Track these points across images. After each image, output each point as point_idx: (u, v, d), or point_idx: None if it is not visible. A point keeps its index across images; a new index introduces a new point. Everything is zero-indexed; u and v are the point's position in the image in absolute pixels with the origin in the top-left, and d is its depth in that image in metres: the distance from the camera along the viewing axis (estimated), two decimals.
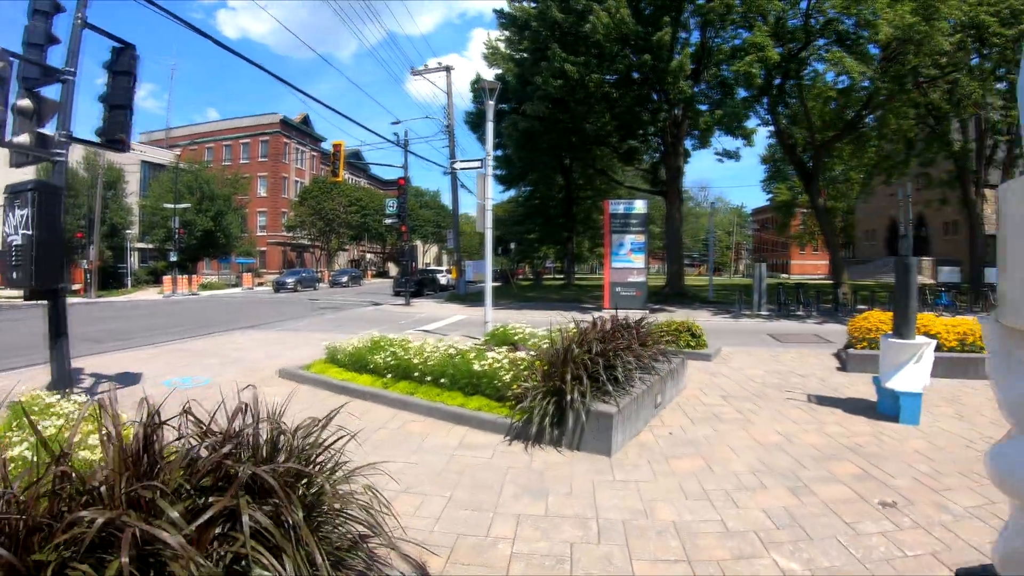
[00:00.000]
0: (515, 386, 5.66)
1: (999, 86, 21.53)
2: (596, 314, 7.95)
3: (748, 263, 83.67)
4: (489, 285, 12.31)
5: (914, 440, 5.50)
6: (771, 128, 26.19)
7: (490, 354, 6.48)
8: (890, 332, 6.80)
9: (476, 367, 6.20)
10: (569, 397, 4.81)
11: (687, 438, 5.45)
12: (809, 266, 76.84)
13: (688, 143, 27.32)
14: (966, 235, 40.96)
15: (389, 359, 7.26)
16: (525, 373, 5.75)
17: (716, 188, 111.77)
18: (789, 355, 10.99)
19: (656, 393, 6.22)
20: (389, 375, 7.08)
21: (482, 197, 12.24)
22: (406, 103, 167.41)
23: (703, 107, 24.00)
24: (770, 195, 62.07)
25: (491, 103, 12.40)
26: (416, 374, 6.74)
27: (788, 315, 20.13)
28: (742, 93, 22.62)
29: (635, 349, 5.92)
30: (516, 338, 8.75)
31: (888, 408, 6.47)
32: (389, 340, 7.98)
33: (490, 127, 12.73)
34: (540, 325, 9.38)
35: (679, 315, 12.33)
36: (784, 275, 66.84)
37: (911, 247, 6.82)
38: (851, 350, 9.60)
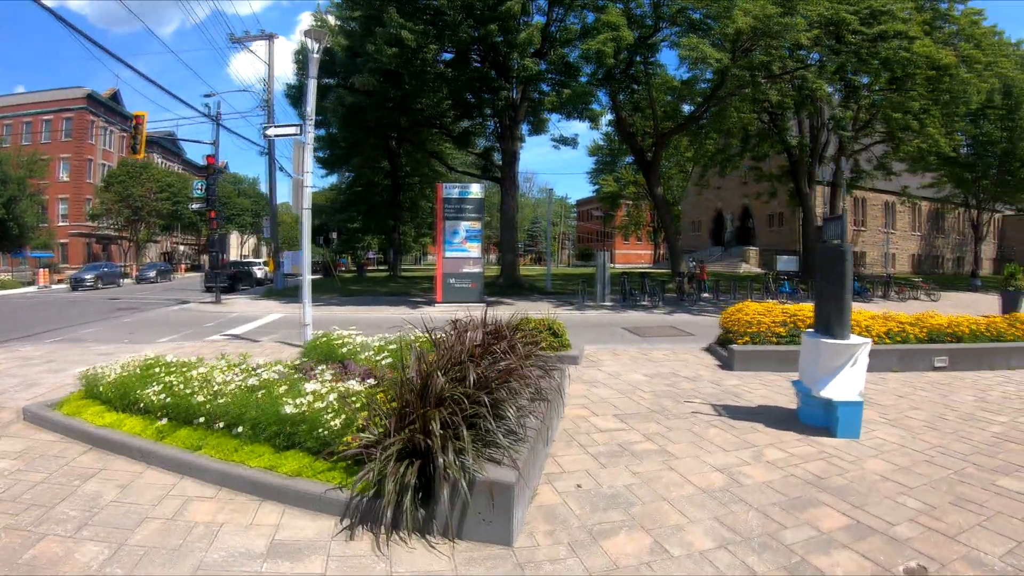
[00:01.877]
0: (350, 437, 4.18)
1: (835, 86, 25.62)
2: (460, 315, 6.76)
3: (571, 253, 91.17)
4: (307, 279, 11.52)
5: (871, 461, 5.13)
6: (610, 117, 28.55)
7: (309, 386, 4.85)
8: (813, 330, 6.57)
9: (288, 409, 4.56)
10: (441, 460, 3.41)
11: (605, 492, 4.34)
12: (632, 255, 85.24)
13: (524, 128, 28.77)
14: (793, 226, 48.40)
15: (163, 395, 5.46)
16: (364, 415, 4.29)
17: (541, 180, 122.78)
18: (660, 353, 10.84)
19: (548, 427, 5.14)
20: (165, 419, 5.45)
21: (299, 170, 11.56)
22: (229, 85, 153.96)
23: (546, 87, 25.45)
24: (596, 187, 67.98)
25: (316, 56, 11.73)
26: (203, 418, 5.19)
27: (634, 305, 21.07)
28: (584, 80, 24.24)
29: (520, 369, 4.73)
30: (344, 351, 7.17)
31: (816, 419, 6.19)
32: (166, 363, 6.44)
33: (312, 85, 11.84)
34: (370, 327, 8.70)
35: (518, 307, 11.86)
36: (609, 264, 72.07)
37: (844, 231, 6.77)
38: (735, 347, 9.59)
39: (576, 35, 23.59)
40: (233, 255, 73.30)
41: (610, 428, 5.98)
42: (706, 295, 24.85)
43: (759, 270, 44.23)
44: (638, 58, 24.44)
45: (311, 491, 4.05)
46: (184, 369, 6.03)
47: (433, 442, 3.51)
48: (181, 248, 79.38)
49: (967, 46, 25.97)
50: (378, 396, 4.57)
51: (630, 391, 7.66)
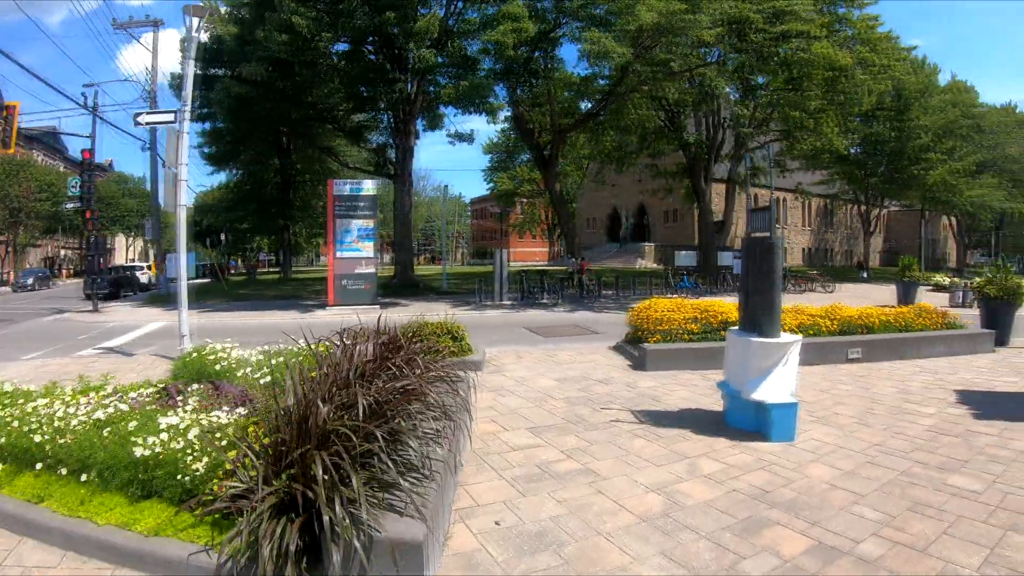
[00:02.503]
0: (216, 486, 3.37)
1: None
2: (353, 319, 5.97)
3: (466, 251, 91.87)
4: (184, 284, 10.96)
5: (814, 467, 4.87)
6: (508, 113, 29.02)
7: (165, 420, 3.96)
8: (739, 328, 6.33)
9: (141, 451, 3.68)
10: (327, 516, 2.70)
11: (529, 528, 3.75)
12: (528, 253, 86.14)
13: (420, 124, 28.84)
14: (688, 222, 50.33)
15: None
16: (233, 456, 3.47)
17: (436, 178, 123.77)
18: (567, 354, 10.47)
19: (457, 451, 4.50)
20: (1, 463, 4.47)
21: (173, 161, 10.92)
22: (116, 77, 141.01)
23: (444, 80, 25.45)
24: (492, 185, 68.41)
25: (196, 35, 11.31)
26: (43, 463, 4.31)
27: (534, 304, 20.91)
28: (483, 74, 24.33)
29: (421, 388, 4.04)
30: (218, 368, 6.20)
31: (746, 422, 5.91)
32: (1, 393, 5.44)
33: (190, 68, 11.39)
34: (257, 335, 8.36)
35: (415, 309, 11.28)
36: (506, 263, 73.38)
37: (771, 222, 6.66)
38: (647, 345, 9.36)
39: (476, 26, 23.68)
40: (120, 259, 68.54)
41: (525, 445, 5.42)
42: (608, 292, 25.07)
43: (656, 266, 45.61)
44: (538, 53, 24.81)
45: (173, 556, 3.21)
46: (22, 400, 4.97)
47: (316, 493, 2.79)
48: (63, 253, 74.50)
49: (863, 49, 27.83)
50: (251, 429, 3.79)
51: (541, 399, 7.17)
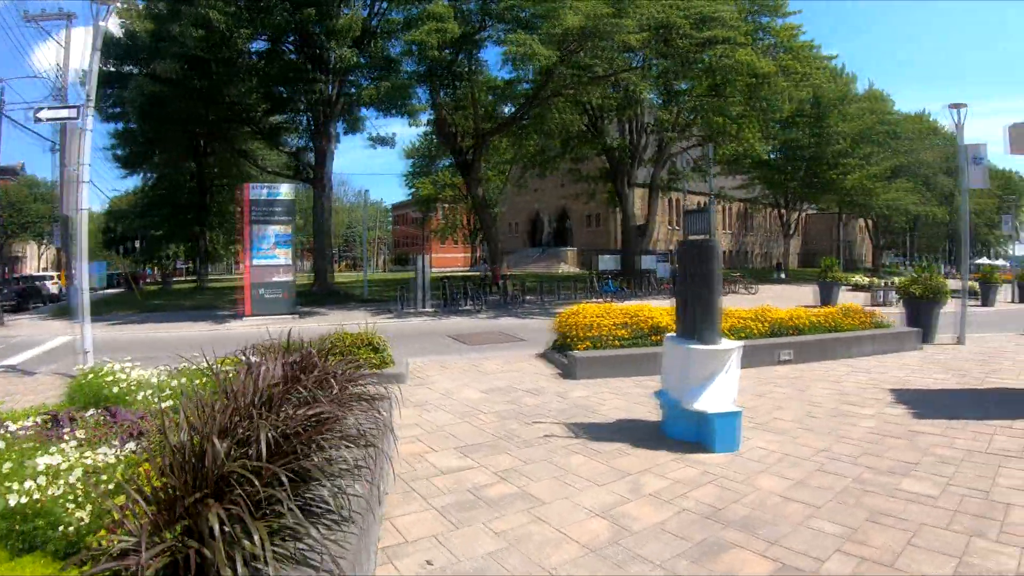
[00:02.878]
0: (103, 534, 2.82)
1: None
2: (270, 329, 5.39)
3: (387, 258, 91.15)
4: (86, 296, 10.37)
5: (763, 478, 4.70)
6: (430, 116, 28.88)
7: (44, 460, 3.34)
8: (677, 335, 6.15)
9: (16, 498, 3.06)
10: None
11: (465, 569, 3.34)
12: (449, 259, 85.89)
13: (339, 126, 28.65)
14: (610, 226, 51.17)
15: None
16: (120, 503, 2.91)
17: (356, 183, 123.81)
18: (493, 363, 10.14)
19: (380, 482, 4.04)
20: None
21: (73, 161, 10.47)
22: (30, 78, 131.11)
23: (365, 82, 25.41)
24: (413, 190, 67.83)
25: (102, 24, 10.75)
26: None
27: (457, 311, 20.56)
28: (405, 76, 24.27)
29: (337, 414, 3.57)
30: (115, 391, 5.46)
31: (687, 432, 5.72)
32: None
33: (94, 60, 10.71)
34: (165, 350, 8.12)
35: (335, 318, 10.77)
36: (428, 268, 73.20)
37: (710, 224, 6.50)
38: (576, 353, 9.14)
39: (399, 26, 23.71)
40: (32, 268, 63.76)
41: (454, 467, 5.02)
42: (530, 297, 24.97)
43: (578, 270, 46.14)
44: (462, 56, 24.88)
45: None
46: None
47: (212, 552, 2.32)
48: None
49: (785, 57, 28.90)
50: (144, 468, 3.26)
51: (469, 413, 6.79)
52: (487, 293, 23.01)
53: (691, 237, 6.35)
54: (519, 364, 10.07)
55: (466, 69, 25.42)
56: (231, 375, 4.13)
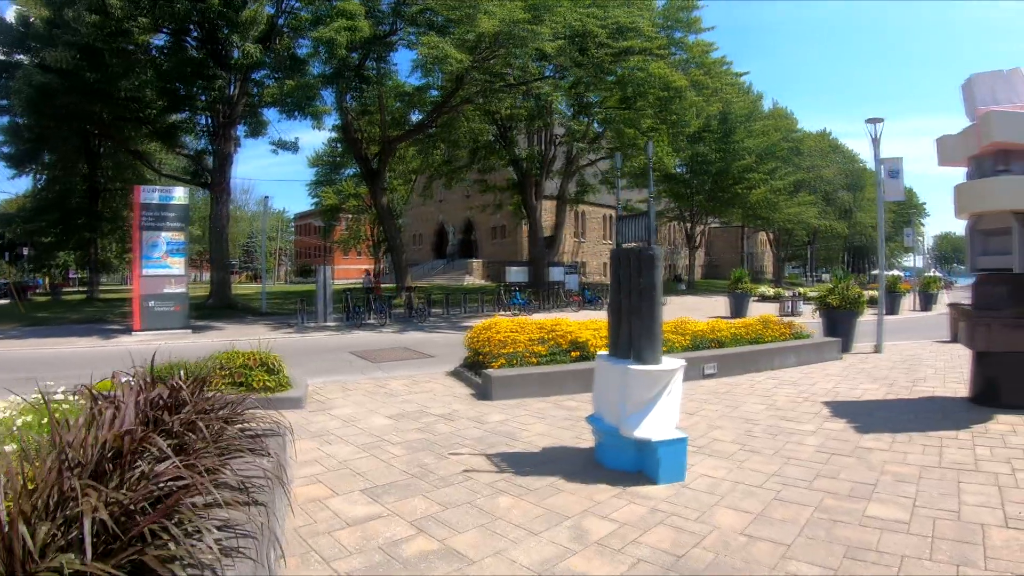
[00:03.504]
0: None
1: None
2: (160, 344, 4.40)
3: (290, 269, 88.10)
4: None
5: (720, 513, 4.20)
6: (336, 122, 28.34)
7: None
8: (610, 353, 5.60)
9: None
10: None
11: None
12: (353, 271, 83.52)
13: (241, 129, 27.26)
14: (516, 238, 50.93)
15: None
16: None
17: (259, 191, 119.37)
18: (400, 383, 9.31)
19: (268, 549, 3.16)
20: None
21: None
22: None
23: (269, 82, 24.45)
24: (316, 199, 65.64)
25: None
26: None
27: (360, 325, 19.53)
28: (311, 77, 23.39)
29: (202, 479, 2.63)
30: None
31: (625, 462, 5.13)
32: None
33: None
34: (46, 370, 8.05)
35: (231, 333, 9.76)
36: (331, 280, 71.21)
37: (651, 230, 5.93)
38: (490, 372, 8.44)
39: (308, 23, 22.72)
40: None
41: (362, 516, 4.16)
42: (436, 310, 24.17)
43: (484, 282, 45.73)
44: (371, 61, 24.30)
45: None
46: None
47: None
48: None
49: (697, 72, 29.51)
50: None
51: (375, 445, 5.95)
52: (391, 306, 22.06)
53: (626, 245, 5.76)
54: (429, 384, 9.29)
55: (375, 72, 24.66)
56: (66, 420, 3.19)
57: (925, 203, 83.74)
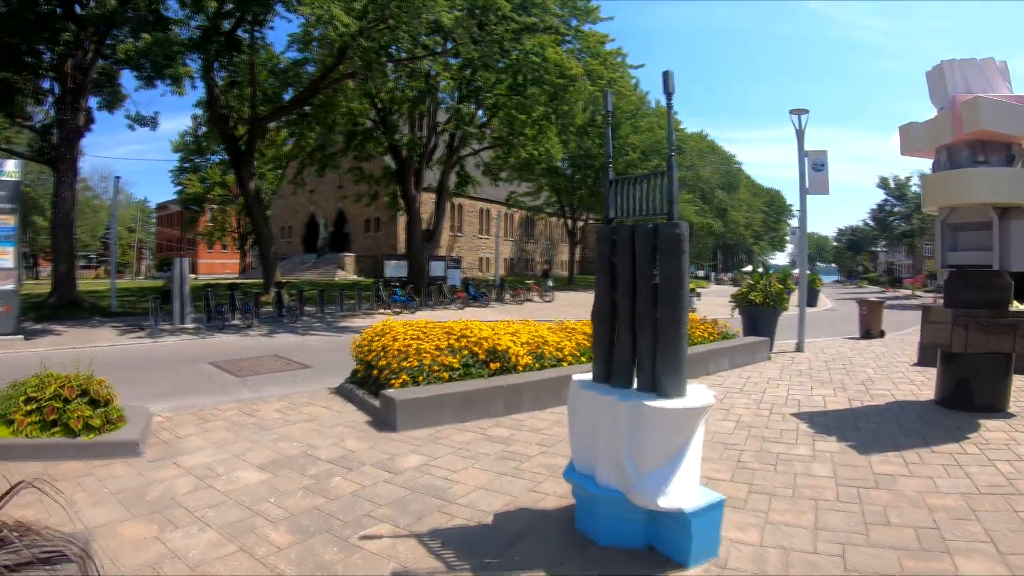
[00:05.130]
0: None
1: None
2: None
3: (151, 263, 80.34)
4: None
5: None
6: (202, 97, 25.18)
7: None
8: (597, 379, 3.92)
9: None
10: None
11: None
12: (218, 265, 78.23)
13: (94, 101, 22.88)
14: (391, 230, 48.26)
15: None
16: None
17: (124, 178, 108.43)
18: (274, 407, 7.10)
19: None
20: None
21: None
22: None
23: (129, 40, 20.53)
24: (180, 188, 60.78)
25: None
26: None
27: (223, 326, 16.72)
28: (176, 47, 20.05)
29: None
30: None
31: (628, 536, 3.42)
32: None
33: None
34: None
35: (71, 338, 7.72)
36: (192, 275, 65.41)
37: (671, 196, 4.20)
38: (392, 393, 6.41)
39: None
40: None
41: None
42: (310, 308, 21.54)
43: (357, 277, 43.25)
44: (243, 31, 21.48)
45: None
46: None
47: None
48: None
49: (593, 61, 28.24)
50: None
51: (246, 528, 3.83)
52: (258, 305, 19.29)
53: (630, 222, 3.93)
54: (311, 408, 7.14)
55: (247, 42, 21.62)
56: None
57: (792, 204, 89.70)
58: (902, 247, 70.22)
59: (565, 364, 8.03)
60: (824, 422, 6.56)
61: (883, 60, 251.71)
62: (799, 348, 11.88)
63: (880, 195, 56.85)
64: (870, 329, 14.32)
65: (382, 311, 21.69)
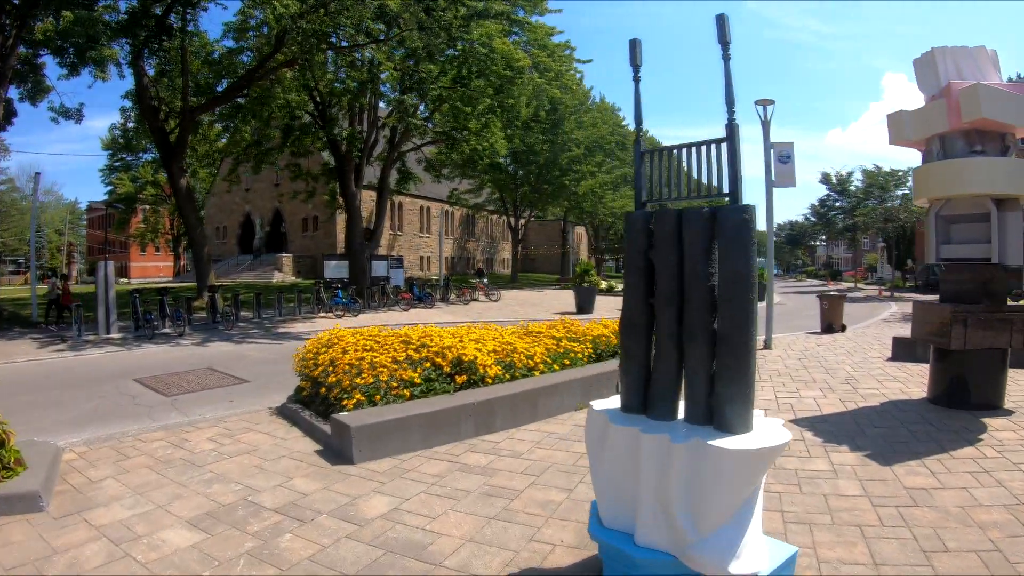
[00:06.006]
0: None
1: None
2: None
3: (81, 267, 75.96)
4: None
5: None
6: (131, 88, 23.58)
7: None
8: (628, 407, 3.08)
9: None
10: None
11: None
12: (152, 268, 74.10)
13: (15, 92, 21.17)
14: (329, 229, 46.46)
15: None
16: None
17: (48, 179, 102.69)
18: (206, 435, 6.04)
19: None
20: None
21: None
22: None
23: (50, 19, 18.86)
24: (110, 188, 57.27)
25: None
26: None
27: (153, 335, 15.24)
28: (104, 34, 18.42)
29: None
30: None
31: None
32: None
33: None
34: None
35: None
36: (124, 279, 62.70)
37: (736, 168, 3.46)
38: (345, 418, 5.40)
39: None
40: None
41: None
42: (245, 313, 20.09)
43: (294, 278, 41.60)
44: (174, 16, 19.88)
45: None
46: None
47: None
48: None
49: (541, 53, 27.53)
50: None
51: None
52: (190, 310, 17.82)
53: (682, 208, 3.10)
54: (251, 435, 6.09)
55: (179, 29, 20.04)
56: None
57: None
58: (842, 241, 71.81)
59: (537, 374, 7.19)
60: (828, 429, 6.00)
61: (820, 60, 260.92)
62: (767, 345, 11.34)
63: (822, 190, 57.80)
64: (832, 323, 14.04)
65: (323, 314, 20.47)
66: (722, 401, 2.66)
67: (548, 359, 7.52)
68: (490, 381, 6.64)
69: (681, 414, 2.91)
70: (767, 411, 6.64)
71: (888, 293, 34.52)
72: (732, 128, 2.80)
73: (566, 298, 26.05)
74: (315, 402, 6.50)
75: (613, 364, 7.77)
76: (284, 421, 6.61)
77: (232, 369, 10.50)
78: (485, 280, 34.54)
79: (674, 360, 2.88)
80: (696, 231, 2.78)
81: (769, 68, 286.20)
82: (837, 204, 56.14)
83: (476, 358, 6.69)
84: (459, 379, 6.47)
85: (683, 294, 2.83)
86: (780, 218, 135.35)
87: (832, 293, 15.26)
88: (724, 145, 2.85)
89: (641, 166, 3.17)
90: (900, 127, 7.16)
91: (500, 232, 67.64)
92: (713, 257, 2.74)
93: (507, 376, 6.87)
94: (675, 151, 3.12)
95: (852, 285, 50.04)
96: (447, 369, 6.56)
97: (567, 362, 7.72)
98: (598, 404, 3.23)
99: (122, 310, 17.29)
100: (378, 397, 5.95)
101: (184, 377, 9.85)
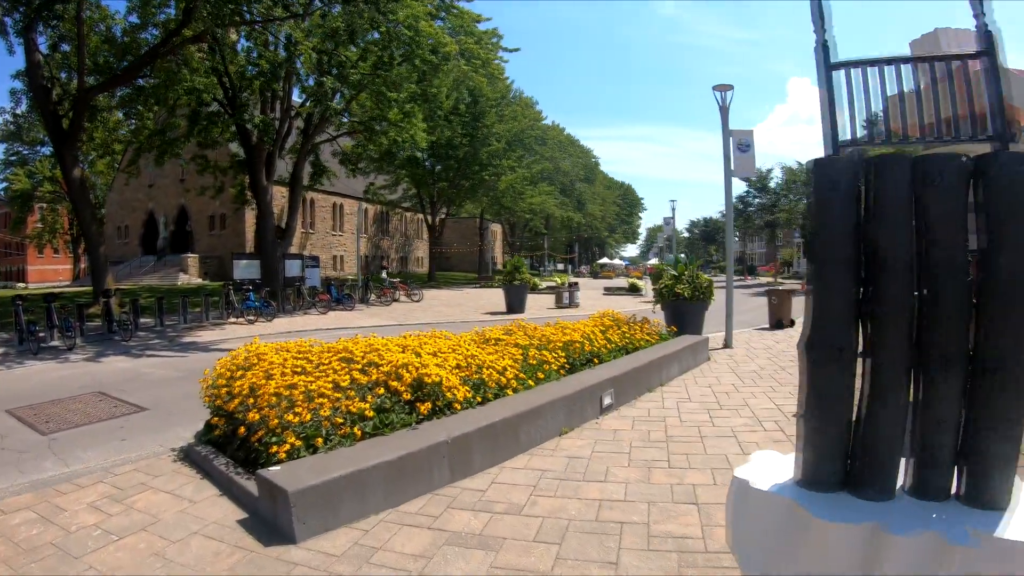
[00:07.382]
0: None
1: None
2: None
3: None
4: None
5: None
6: (21, 68, 20.39)
7: None
8: (810, 478, 1.86)
9: None
10: None
11: None
12: (50, 272, 67.18)
13: None
14: (237, 228, 43.34)
15: None
16: None
17: None
18: (89, 498, 4.36)
19: None
20: None
21: None
22: None
23: None
24: (4, 184, 53.17)
25: None
26: None
27: (39, 350, 12.71)
28: None
29: None
30: None
31: None
32: None
33: None
34: None
35: None
36: (21, 284, 57.26)
37: (1002, 129, 2.44)
38: (278, 476, 3.90)
39: None
40: None
41: None
42: (146, 320, 17.61)
43: (201, 280, 38.65)
44: None
45: None
46: None
47: None
48: None
49: (468, 40, 26.17)
50: None
51: None
52: (84, 319, 15.31)
53: (935, 150, 1.98)
54: (148, 496, 4.44)
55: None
56: None
57: (644, 198, 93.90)
58: (758, 237, 73.59)
59: (510, 392, 5.82)
60: None
61: (725, 65, 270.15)
62: (727, 344, 10.43)
63: (739, 187, 59.02)
64: (781, 319, 13.48)
65: (234, 320, 18.27)
66: (989, 464, 1.42)
67: (520, 374, 6.16)
68: (458, 407, 5.23)
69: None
70: (779, 423, 5.54)
71: (811, 287, 35.05)
72: (990, 37, 1.54)
73: (490, 297, 24.83)
74: (232, 444, 4.89)
75: (594, 376, 6.54)
76: (192, 470, 4.95)
77: (127, 393, 8.57)
78: (394, 279, 32.67)
79: (903, 401, 1.60)
80: (951, 194, 1.50)
81: (676, 71, 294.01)
82: (756, 201, 57.21)
83: (441, 379, 5.23)
84: (422, 407, 4.99)
85: (921, 297, 1.56)
86: (695, 214, 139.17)
87: (780, 289, 14.66)
88: (980, 61, 1.57)
89: (826, 91, 1.84)
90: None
91: (415, 230, 65.65)
92: (986, 231, 1.48)
93: (478, 398, 5.47)
94: (891, 66, 1.80)
95: (772, 280, 50.81)
96: (406, 395, 5.06)
97: (541, 375, 6.39)
98: (757, 482, 1.89)
99: (4, 320, 14.65)
100: (319, 441, 4.39)
101: (68, 406, 7.90)
